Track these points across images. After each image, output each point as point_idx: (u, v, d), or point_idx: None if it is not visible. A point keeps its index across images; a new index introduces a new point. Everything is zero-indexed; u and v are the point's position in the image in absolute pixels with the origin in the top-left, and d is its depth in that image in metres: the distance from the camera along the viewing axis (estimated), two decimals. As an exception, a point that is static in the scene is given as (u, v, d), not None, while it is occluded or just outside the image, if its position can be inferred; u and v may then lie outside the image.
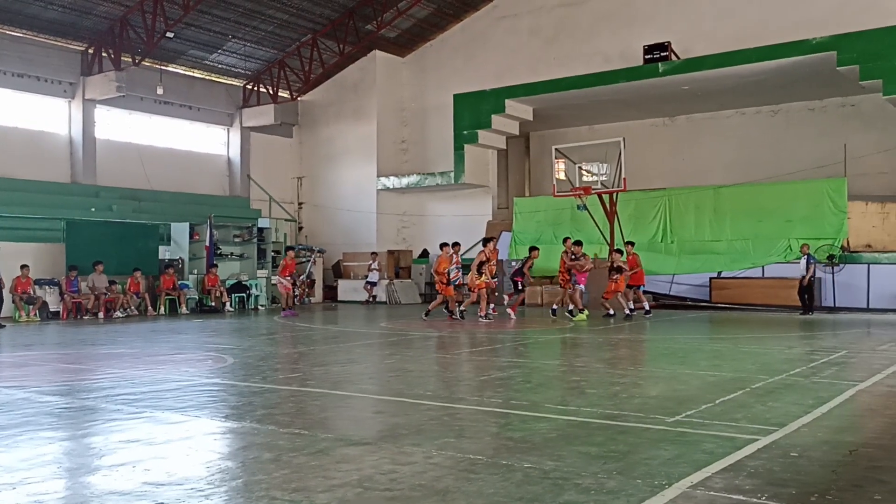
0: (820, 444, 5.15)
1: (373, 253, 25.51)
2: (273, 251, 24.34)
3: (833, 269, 19.59)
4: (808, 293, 18.25)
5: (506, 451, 4.97)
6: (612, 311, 17.24)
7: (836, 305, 19.55)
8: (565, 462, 4.66)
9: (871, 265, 19.43)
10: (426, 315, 16.96)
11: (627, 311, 17.23)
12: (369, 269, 25.10)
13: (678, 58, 21.85)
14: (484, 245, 16.90)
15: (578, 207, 20.69)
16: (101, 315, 18.82)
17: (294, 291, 24.74)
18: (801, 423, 5.73)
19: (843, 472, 4.50)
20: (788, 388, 7.47)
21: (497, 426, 5.91)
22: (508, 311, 17.24)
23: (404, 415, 6.30)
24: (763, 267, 20.16)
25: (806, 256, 18.22)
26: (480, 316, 16.28)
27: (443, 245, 17.49)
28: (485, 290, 16.59)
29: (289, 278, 19.56)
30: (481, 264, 16.52)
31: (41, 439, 5.45)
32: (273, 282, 22.41)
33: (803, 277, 18.21)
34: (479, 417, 6.22)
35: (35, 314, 18.15)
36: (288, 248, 21.46)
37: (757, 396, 6.94)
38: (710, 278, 21.16)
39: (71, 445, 5.39)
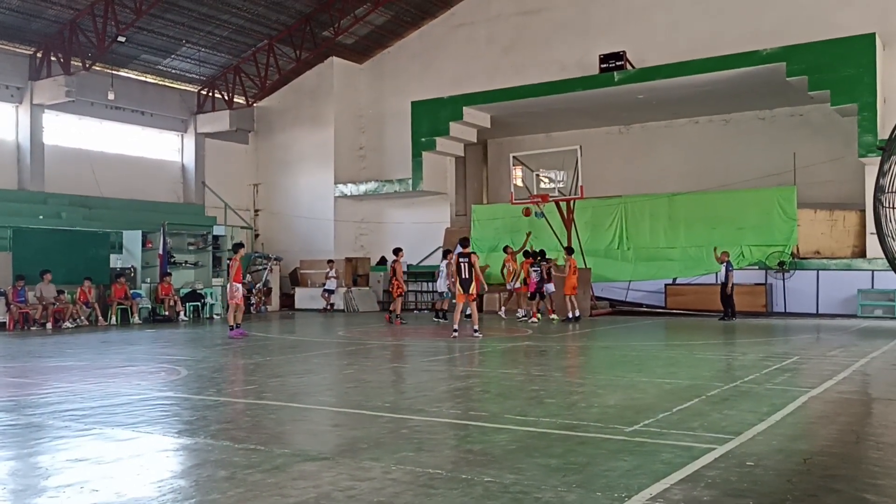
0: (775, 452, 5.22)
1: (329, 261, 25.29)
2: (228, 259, 23.87)
3: (783, 275, 20.04)
4: (728, 300, 18.59)
5: (465, 464, 4.93)
6: (577, 314, 17.94)
7: (787, 311, 19.99)
8: (525, 475, 4.64)
9: (819, 271, 19.91)
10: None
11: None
12: (327, 277, 24.86)
13: (633, 67, 22.17)
14: (462, 246, 15.16)
15: (536, 214, 20.92)
16: (49, 326, 18.32)
17: (251, 300, 24.45)
18: (756, 432, 5.81)
19: (799, 482, 4.55)
20: (743, 395, 7.57)
21: (456, 438, 5.87)
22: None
23: (363, 428, 6.22)
24: (716, 273, 20.51)
25: (725, 264, 18.60)
26: (475, 329, 14.72)
27: (396, 250, 18.81)
28: (474, 301, 15.03)
29: (244, 285, 15.51)
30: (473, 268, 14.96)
31: (-16, 459, 5.25)
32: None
33: (724, 285, 18.60)
34: (438, 430, 6.18)
35: (-20, 325, 17.63)
36: (237, 246, 15.99)
37: (712, 404, 7.02)
38: (666, 285, 21.48)
39: (16, 465, 5.19)
